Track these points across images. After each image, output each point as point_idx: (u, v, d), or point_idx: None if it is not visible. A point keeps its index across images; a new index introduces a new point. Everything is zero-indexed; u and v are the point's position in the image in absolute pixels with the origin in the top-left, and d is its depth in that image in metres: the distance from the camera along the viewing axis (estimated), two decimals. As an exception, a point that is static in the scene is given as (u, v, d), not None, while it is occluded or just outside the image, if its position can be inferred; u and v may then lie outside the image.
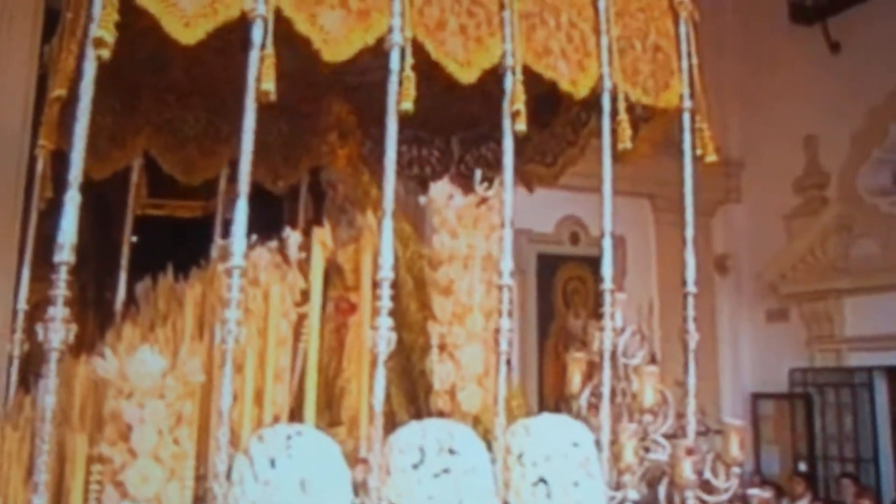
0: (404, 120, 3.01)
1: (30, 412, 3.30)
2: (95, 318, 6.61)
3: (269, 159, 4.65)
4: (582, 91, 3.48)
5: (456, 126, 4.85)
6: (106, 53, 2.56)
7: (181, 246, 6.58)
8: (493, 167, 4.75)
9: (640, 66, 3.70)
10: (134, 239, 4.68)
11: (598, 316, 3.65)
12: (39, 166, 3.91)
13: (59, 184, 3.87)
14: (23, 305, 3.92)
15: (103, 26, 2.54)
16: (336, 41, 2.89)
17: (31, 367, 4.10)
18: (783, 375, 8.62)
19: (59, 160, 3.83)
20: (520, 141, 3.38)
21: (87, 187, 2.59)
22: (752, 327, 8.99)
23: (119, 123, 4.32)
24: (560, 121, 4.48)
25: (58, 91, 3.19)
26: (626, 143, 3.54)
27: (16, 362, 3.88)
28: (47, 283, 4.72)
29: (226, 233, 4.43)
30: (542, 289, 7.43)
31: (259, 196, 2.91)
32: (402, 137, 4.58)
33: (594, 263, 6.70)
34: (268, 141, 2.80)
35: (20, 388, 3.81)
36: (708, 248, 8.42)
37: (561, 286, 7.65)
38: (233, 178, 4.80)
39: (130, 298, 4.28)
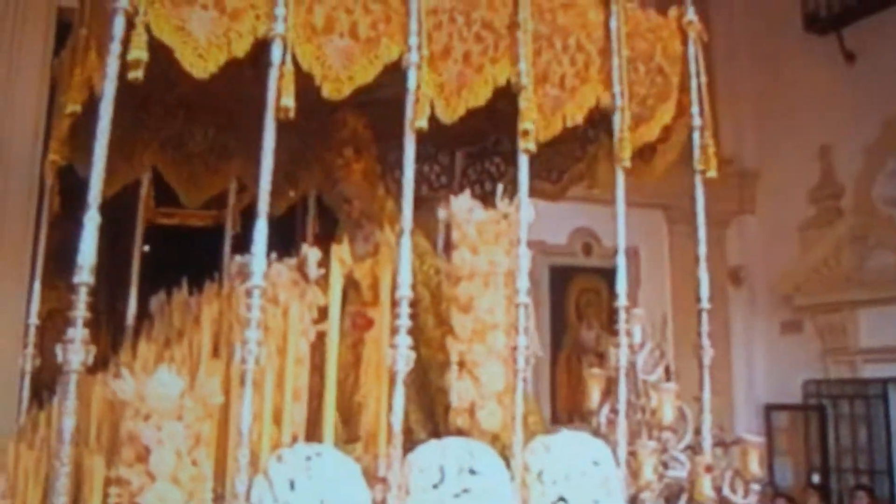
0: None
1: (44, 430, 3.30)
2: (107, 329, 6.61)
3: (279, 173, 4.63)
4: (551, 133, 3.48)
5: (460, 140, 4.83)
6: (140, 74, 2.57)
7: (192, 255, 6.59)
8: (496, 182, 4.76)
9: (637, 88, 3.70)
10: (146, 248, 4.66)
11: (614, 331, 3.63)
12: (49, 180, 3.92)
13: (66, 196, 3.92)
14: (34, 320, 3.92)
15: (137, 46, 2.56)
16: (336, 78, 2.92)
17: (43, 383, 4.11)
18: (797, 387, 8.57)
19: (66, 173, 3.88)
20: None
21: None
22: (766, 339, 8.95)
23: (127, 138, 4.31)
24: (566, 137, 4.48)
25: (72, 107, 3.19)
26: (624, 162, 3.55)
27: (28, 377, 3.88)
28: (58, 292, 4.73)
29: (238, 247, 4.46)
30: (555, 301, 7.40)
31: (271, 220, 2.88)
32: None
33: (607, 275, 6.71)
34: (277, 155, 2.83)
35: (33, 404, 3.81)
36: (722, 260, 8.38)
37: (574, 298, 7.63)
38: (241, 192, 4.85)
39: (143, 311, 4.28)
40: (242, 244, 4.67)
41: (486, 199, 4.66)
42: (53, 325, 4.76)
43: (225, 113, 4.46)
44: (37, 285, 3.97)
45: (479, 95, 3.23)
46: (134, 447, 2.50)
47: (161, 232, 5.02)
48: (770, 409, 8.81)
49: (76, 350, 2.36)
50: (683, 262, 6.46)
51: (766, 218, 8.98)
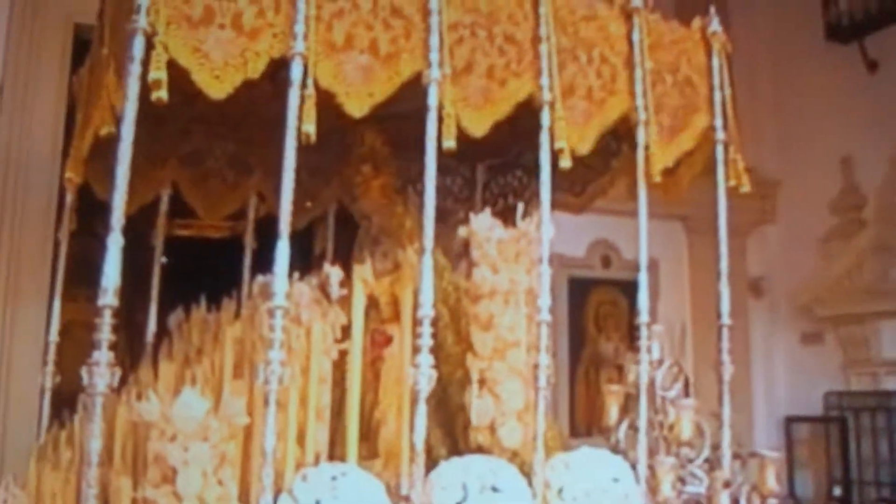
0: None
1: (66, 449, 3.31)
2: (126, 340, 6.63)
3: (298, 190, 4.63)
4: (585, 146, 3.46)
5: (482, 153, 4.82)
6: (164, 94, 2.57)
7: (209, 266, 6.60)
8: (518, 195, 4.76)
9: (666, 100, 3.69)
10: (164, 260, 4.68)
11: (633, 347, 3.63)
12: (68, 199, 3.94)
13: (82, 208, 3.94)
14: (54, 338, 3.94)
15: (157, 67, 2.56)
16: (357, 94, 2.90)
17: (62, 398, 4.13)
18: (818, 398, 8.47)
19: (81, 185, 3.90)
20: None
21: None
22: (786, 350, 8.85)
23: (146, 155, 4.33)
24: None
25: (106, 128, 3.19)
26: (655, 177, 3.55)
27: (48, 394, 3.89)
28: (76, 304, 4.72)
29: (257, 264, 4.46)
30: (574, 313, 7.35)
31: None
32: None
33: (626, 287, 6.74)
34: (297, 172, 2.83)
35: (53, 421, 3.82)
36: (742, 270, 8.30)
37: (592, 310, 7.59)
38: (260, 206, 4.86)
39: (161, 327, 4.29)
40: (260, 257, 4.74)
41: (509, 213, 4.70)
42: (71, 336, 4.79)
43: (244, 128, 4.47)
44: (56, 303, 4.00)
45: (504, 109, 3.22)
46: (160, 468, 2.51)
47: (177, 243, 5.01)
48: (790, 421, 8.71)
49: (101, 373, 2.36)
50: (703, 273, 6.42)
51: (786, 228, 8.89)
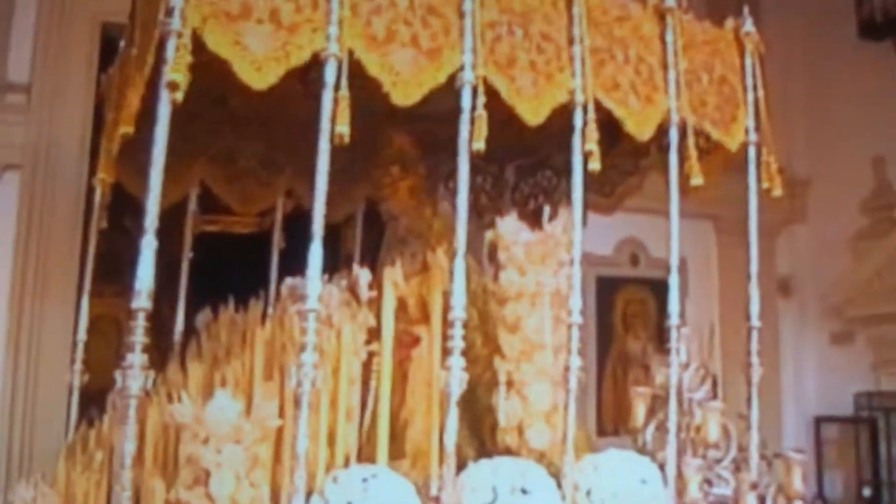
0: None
1: (94, 447, 3.33)
2: (152, 337, 6.67)
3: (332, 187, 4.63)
4: (647, 132, 3.46)
5: (511, 153, 4.81)
6: (180, 96, 2.56)
7: (236, 261, 6.61)
8: (548, 195, 4.74)
9: (707, 98, 3.67)
10: (190, 255, 4.69)
11: (661, 349, 3.64)
12: (97, 197, 3.95)
13: (109, 209, 3.96)
14: (82, 336, 3.96)
15: (176, 69, 2.54)
16: (406, 83, 2.88)
17: (90, 395, 4.16)
18: (848, 399, 8.38)
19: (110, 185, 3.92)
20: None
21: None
22: (815, 349, 8.77)
23: (175, 154, 4.33)
24: (619, 150, 4.44)
25: (124, 128, 3.21)
26: (697, 180, 3.52)
27: (76, 393, 3.92)
28: (102, 298, 4.71)
29: (284, 260, 4.46)
30: (601, 312, 7.30)
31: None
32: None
33: (655, 286, 6.70)
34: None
35: (81, 420, 3.85)
36: (771, 270, 8.23)
37: (620, 309, 7.54)
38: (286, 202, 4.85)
39: (188, 325, 4.31)
40: (287, 254, 4.74)
41: (539, 214, 4.68)
42: (98, 331, 4.82)
43: (273, 127, 4.47)
44: (85, 301, 4.02)
45: (563, 90, 3.22)
46: (192, 469, 2.52)
47: (203, 238, 5.03)
48: (820, 421, 8.65)
49: (135, 376, 2.36)
50: (732, 272, 6.38)
51: (817, 228, 8.79)
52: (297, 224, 4.76)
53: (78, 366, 3.94)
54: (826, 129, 8.71)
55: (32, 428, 4.88)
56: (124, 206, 4.11)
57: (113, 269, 4.83)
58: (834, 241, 8.52)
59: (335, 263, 4.27)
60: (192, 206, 4.71)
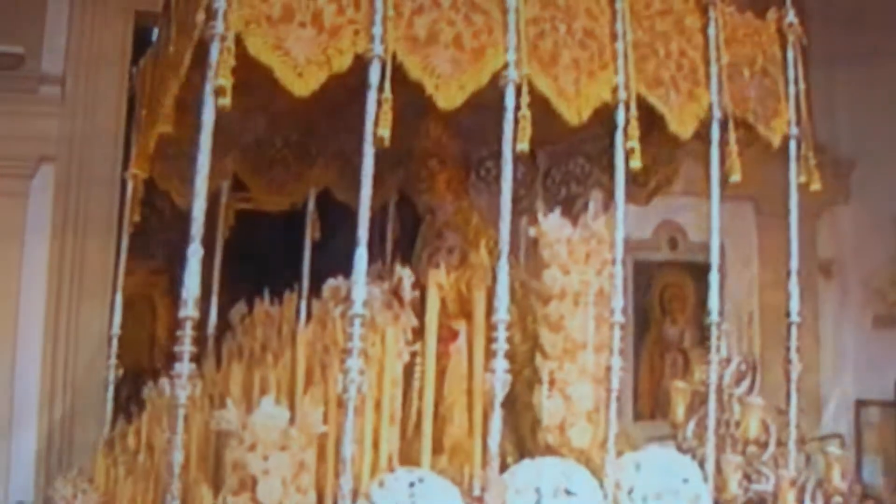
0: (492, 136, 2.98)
1: (134, 446, 3.35)
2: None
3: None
4: (689, 129, 3.43)
5: (542, 140, 4.75)
6: (227, 102, 2.54)
7: (268, 240, 6.57)
8: (581, 183, 4.70)
9: (748, 92, 3.62)
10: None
11: (702, 345, 3.63)
12: (129, 191, 3.96)
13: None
14: (117, 331, 3.98)
15: (222, 74, 2.52)
16: (447, 85, 2.85)
17: (125, 380, 4.18)
18: (889, 383, 8.29)
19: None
20: (611, 159, 3.32)
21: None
22: (857, 333, 8.64)
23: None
24: (655, 140, 4.40)
25: (162, 127, 3.20)
26: (736, 177, 3.49)
27: (111, 387, 3.94)
28: (134, 277, 4.70)
29: (322, 261, 4.43)
30: (639, 297, 7.20)
31: (350, 215, 2.88)
32: (488, 153, 4.57)
33: (693, 269, 6.63)
34: (355, 163, 2.80)
35: (117, 414, 3.87)
36: (812, 252, 8.11)
37: (658, 293, 7.46)
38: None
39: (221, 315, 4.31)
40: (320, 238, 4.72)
41: (570, 202, 4.63)
42: (133, 312, 4.81)
43: (306, 118, 4.44)
44: (118, 297, 4.03)
45: (606, 88, 3.21)
46: (238, 476, 2.52)
47: (236, 217, 5.01)
48: (860, 405, 8.57)
49: (183, 385, 2.37)
50: (772, 254, 6.26)
51: (860, 209, 8.61)
52: (328, 202, 4.76)
53: (112, 360, 3.96)
54: (870, 108, 8.52)
55: (72, 420, 4.91)
56: (154, 184, 4.14)
57: (143, 246, 4.85)
58: (878, 224, 8.37)
59: (371, 258, 4.26)
60: (224, 198, 4.71)
